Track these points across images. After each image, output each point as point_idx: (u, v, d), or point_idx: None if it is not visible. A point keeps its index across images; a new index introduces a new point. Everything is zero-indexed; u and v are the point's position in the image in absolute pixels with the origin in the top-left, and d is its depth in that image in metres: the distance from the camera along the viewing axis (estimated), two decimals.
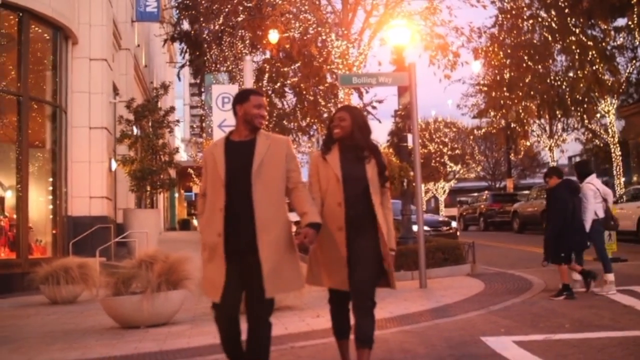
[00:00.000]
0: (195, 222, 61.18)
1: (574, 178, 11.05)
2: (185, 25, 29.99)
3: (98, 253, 14.12)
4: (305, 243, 4.82)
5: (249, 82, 18.65)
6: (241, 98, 4.98)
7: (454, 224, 23.12)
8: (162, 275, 8.41)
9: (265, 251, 4.67)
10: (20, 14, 14.71)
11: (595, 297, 9.92)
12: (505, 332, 7.36)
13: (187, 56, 30.98)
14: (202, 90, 32.40)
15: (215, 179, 4.81)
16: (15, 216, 14.70)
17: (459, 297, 10.17)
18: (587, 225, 10.30)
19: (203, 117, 35.32)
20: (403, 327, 7.80)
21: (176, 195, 51.47)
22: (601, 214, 10.54)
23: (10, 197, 14.97)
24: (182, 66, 33.38)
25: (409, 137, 13.82)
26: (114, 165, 19.30)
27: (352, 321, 5.21)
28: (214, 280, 4.73)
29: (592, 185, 10.53)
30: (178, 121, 24.87)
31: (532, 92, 33.18)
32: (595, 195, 10.46)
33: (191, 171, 43.66)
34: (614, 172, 30.44)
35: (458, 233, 22.52)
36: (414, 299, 10.03)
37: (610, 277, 10.31)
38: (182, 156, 44.27)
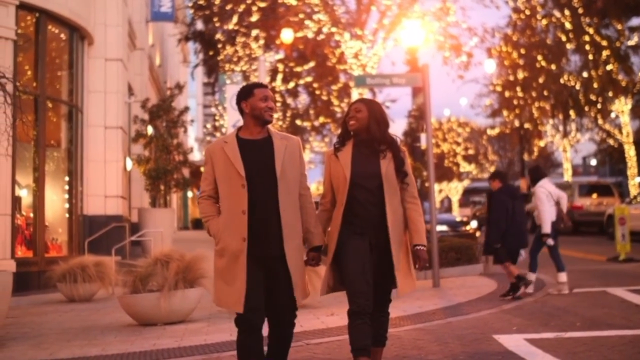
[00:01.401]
0: None
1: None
2: (199, 25, 30.20)
3: (114, 251, 14.26)
4: (313, 265, 4.90)
5: (263, 82, 18.77)
6: (245, 94, 4.72)
7: (473, 223, 23.16)
8: (179, 273, 8.54)
9: (293, 258, 4.57)
10: (38, 15, 14.85)
11: (607, 296, 9.98)
12: (517, 330, 7.45)
13: (200, 56, 31.22)
14: (216, 89, 32.68)
15: (232, 179, 4.55)
16: (31, 215, 14.85)
17: (471, 296, 10.26)
18: (547, 227, 10.52)
19: (217, 117, 35.60)
20: (416, 325, 7.90)
21: (189, 194, 51.67)
22: (553, 217, 10.73)
23: (26, 196, 15.13)
24: (196, 66, 33.60)
25: (422, 137, 13.92)
26: (129, 164, 19.45)
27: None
28: (235, 290, 4.49)
29: (544, 188, 10.74)
30: (192, 121, 25.03)
31: (545, 92, 33.17)
32: (548, 197, 10.67)
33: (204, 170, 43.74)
34: (628, 173, 30.41)
35: (477, 233, 22.54)
36: (427, 297, 10.11)
37: (562, 276, 10.54)
38: (196, 156, 44.54)
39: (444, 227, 20.44)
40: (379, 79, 12.63)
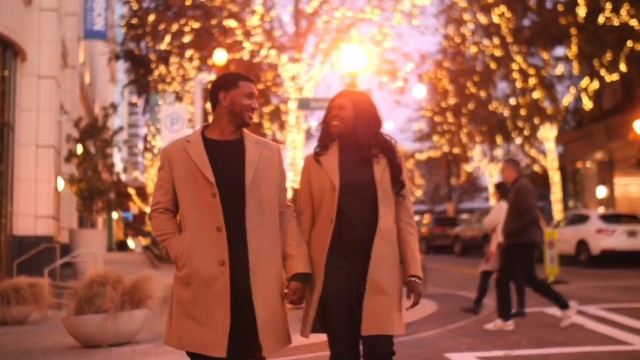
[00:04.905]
0: (131, 244, 60.36)
1: None
2: (131, 44, 29.92)
3: (47, 273, 13.89)
4: (295, 301, 3.84)
5: (198, 103, 18.73)
6: (227, 83, 3.84)
7: None
8: (125, 294, 8.40)
9: (261, 293, 3.65)
10: None
11: (545, 316, 10.26)
12: (467, 348, 7.61)
13: (131, 75, 30.91)
14: (147, 109, 32.42)
15: (198, 188, 3.67)
16: None
17: (415, 316, 10.32)
18: None
19: (149, 137, 35.25)
20: None
21: (114, 215, 50.79)
22: None
23: None
24: (127, 85, 33.22)
25: None
26: (61, 184, 19.03)
27: None
28: (211, 329, 3.59)
29: None
30: (127, 141, 24.70)
31: (474, 118, 34.06)
32: None
33: (132, 191, 43.14)
34: (551, 198, 31.34)
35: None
36: None
37: None
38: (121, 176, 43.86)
39: None
40: (323, 102, 12.76)
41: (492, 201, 38.63)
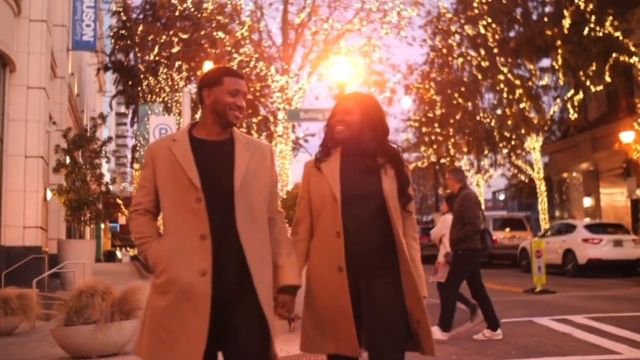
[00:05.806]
0: (119, 254, 60.21)
1: None
2: (119, 55, 29.93)
3: (35, 284, 13.87)
4: (284, 315, 3.60)
5: (186, 114, 18.77)
6: (210, 80, 3.58)
7: None
8: (115, 305, 8.40)
9: (268, 299, 3.44)
10: None
11: (534, 325, 10.33)
12: (456, 358, 7.65)
13: (120, 86, 30.90)
14: (136, 120, 32.43)
15: (181, 191, 3.42)
16: None
17: None
18: None
19: (138, 147, 35.24)
20: None
21: (102, 226, 50.64)
22: None
23: None
24: (115, 95, 33.21)
25: None
26: (49, 194, 19.00)
27: None
28: (184, 345, 3.33)
29: None
30: (115, 151, 24.66)
31: (462, 128, 34.23)
32: None
33: (119, 201, 43.03)
34: (539, 207, 31.50)
35: None
36: None
37: None
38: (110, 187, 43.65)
39: None
40: (312, 113, 12.86)
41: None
